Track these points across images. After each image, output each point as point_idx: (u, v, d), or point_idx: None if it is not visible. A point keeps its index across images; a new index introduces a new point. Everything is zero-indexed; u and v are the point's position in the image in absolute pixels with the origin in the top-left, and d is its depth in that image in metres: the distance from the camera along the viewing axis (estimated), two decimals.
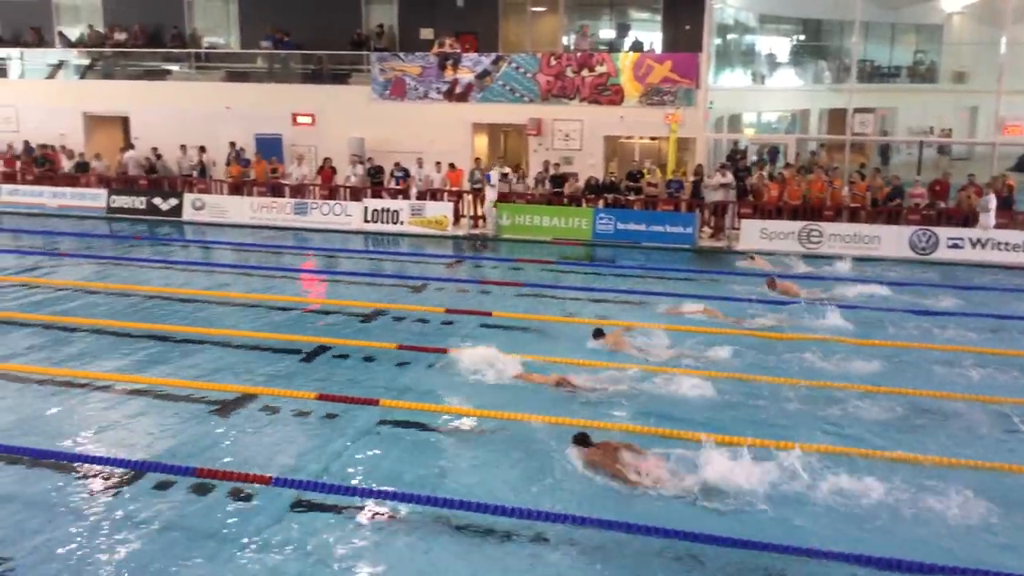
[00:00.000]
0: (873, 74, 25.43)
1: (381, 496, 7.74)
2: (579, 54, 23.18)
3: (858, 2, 22.57)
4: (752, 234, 20.09)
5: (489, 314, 13.80)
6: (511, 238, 20.80)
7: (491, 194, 21.53)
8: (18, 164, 25.48)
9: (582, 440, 8.33)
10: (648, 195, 21.40)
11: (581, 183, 21.93)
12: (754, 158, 23.57)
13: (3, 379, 10.90)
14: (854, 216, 20.48)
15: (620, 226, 20.55)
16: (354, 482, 8.04)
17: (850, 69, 23.45)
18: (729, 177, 20.99)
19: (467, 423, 9.49)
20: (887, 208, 20.29)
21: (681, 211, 20.99)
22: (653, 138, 23.67)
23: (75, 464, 8.52)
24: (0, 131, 26.94)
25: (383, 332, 12.87)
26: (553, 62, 23.04)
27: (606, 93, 22.75)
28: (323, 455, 8.68)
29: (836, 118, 24.41)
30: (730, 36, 25.53)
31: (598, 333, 12.12)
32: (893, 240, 19.49)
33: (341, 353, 11.87)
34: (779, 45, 26.94)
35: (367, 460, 8.62)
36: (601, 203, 21.47)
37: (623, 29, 24.64)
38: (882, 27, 25.69)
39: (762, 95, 26.70)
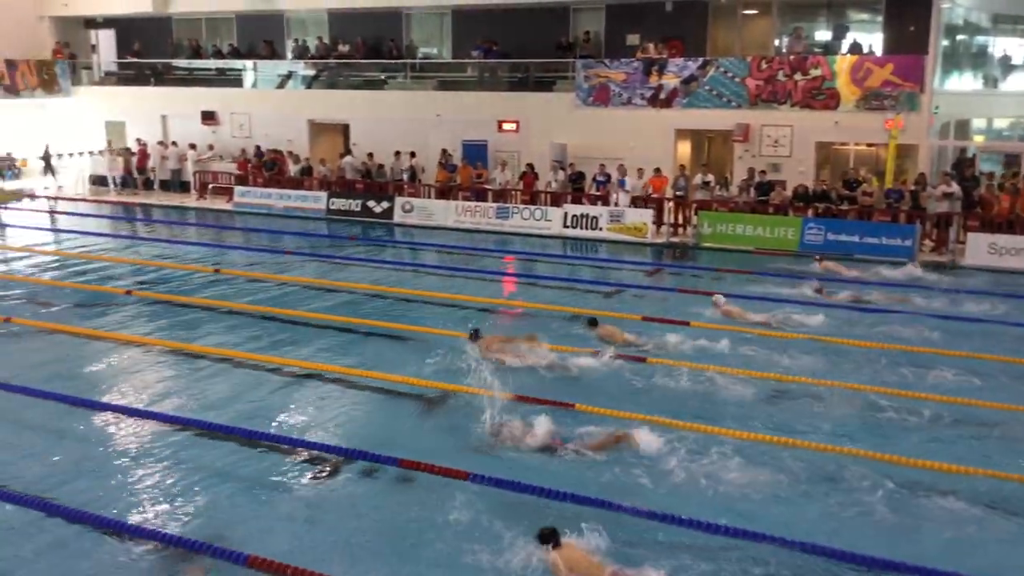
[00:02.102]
0: None
1: (571, 499, 7.75)
2: (792, 57, 22.29)
3: None
4: (979, 248, 18.56)
5: (687, 324, 13.51)
6: (712, 247, 20.27)
7: (624, 199, 21.73)
8: (249, 167, 27.61)
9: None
10: (863, 205, 20.24)
11: (789, 191, 21.09)
12: (998, 167, 21.78)
13: (225, 363, 11.83)
14: None
15: (831, 237, 19.55)
16: (545, 483, 8.07)
17: None
18: (954, 187, 19.50)
19: (667, 433, 9.30)
20: None
21: (900, 222, 19.73)
22: (870, 145, 22.35)
23: (287, 447, 9.08)
24: (235, 137, 29.31)
25: (581, 337, 12.87)
26: (764, 66, 22.27)
27: (820, 97, 21.73)
28: (519, 454, 8.78)
29: None
30: (959, 37, 23.74)
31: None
32: None
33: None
34: (1014, 46, 24.83)
35: (560, 461, 8.65)
36: (810, 212, 20.53)
37: (840, 31, 23.43)
38: None
39: (994, 100, 24.70)
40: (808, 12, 24.22)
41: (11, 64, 29.65)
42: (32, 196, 28.26)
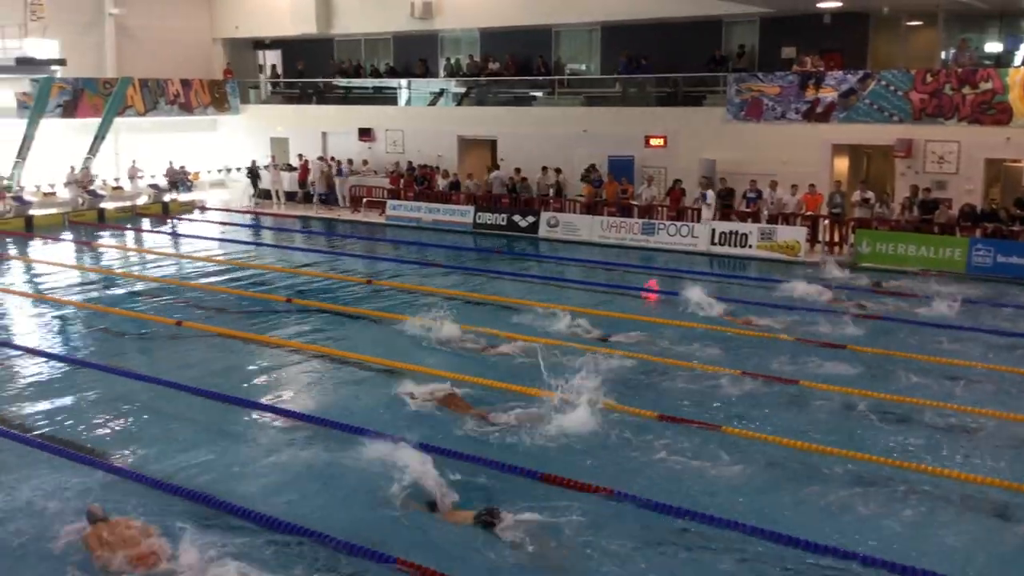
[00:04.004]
0: None
1: (723, 524, 7.58)
2: (960, 70, 21.11)
3: None
4: None
5: (844, 347, 12.98)
6: (871, 267, 19.38)
7: (707, 213, 21.58)
8: (401, 182, 28.48)
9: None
10: None
11: (955, 210, 19.96)
12: None
13: (374, 370, 12.20)
14: None
15: (1001, 259, 18.38)
16: (680, 503, 7.92)
17: None
18: None
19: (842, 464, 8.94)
20: None
21: None
22: None
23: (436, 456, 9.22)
24: (388, 152, 30.31)
25: (728, 358, 12.56)
26: (929, 79, 21.19)
27: (990, 112, 20.46)
28: (667, 473, 8.68)
29: None
30: None
31: None
32: None
33: (683, 374, 11.78)
34: None
35: (708, 482, 8.48)
36: (979, 233, 19.37)
37: (1014, 42, 22.03)
38: None
39: None
40: (977, 23, 22.91)
41: (186, 83, 31.73)
42: (203, 208, 30.10)
